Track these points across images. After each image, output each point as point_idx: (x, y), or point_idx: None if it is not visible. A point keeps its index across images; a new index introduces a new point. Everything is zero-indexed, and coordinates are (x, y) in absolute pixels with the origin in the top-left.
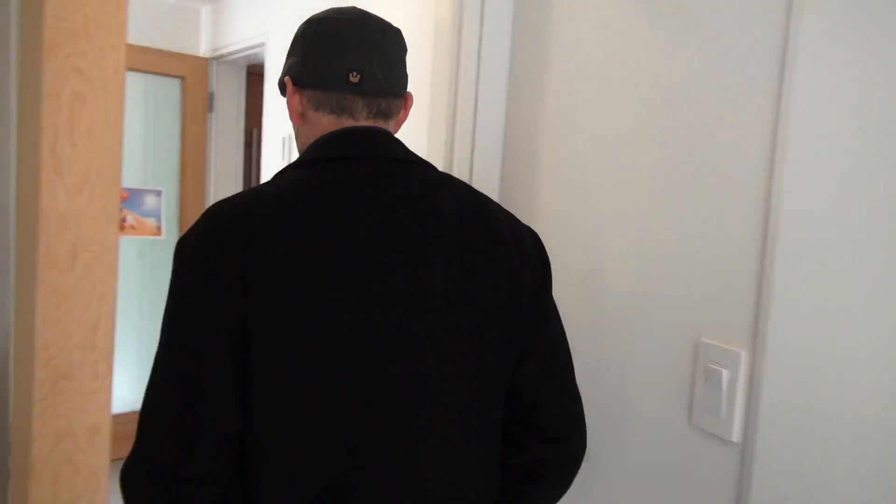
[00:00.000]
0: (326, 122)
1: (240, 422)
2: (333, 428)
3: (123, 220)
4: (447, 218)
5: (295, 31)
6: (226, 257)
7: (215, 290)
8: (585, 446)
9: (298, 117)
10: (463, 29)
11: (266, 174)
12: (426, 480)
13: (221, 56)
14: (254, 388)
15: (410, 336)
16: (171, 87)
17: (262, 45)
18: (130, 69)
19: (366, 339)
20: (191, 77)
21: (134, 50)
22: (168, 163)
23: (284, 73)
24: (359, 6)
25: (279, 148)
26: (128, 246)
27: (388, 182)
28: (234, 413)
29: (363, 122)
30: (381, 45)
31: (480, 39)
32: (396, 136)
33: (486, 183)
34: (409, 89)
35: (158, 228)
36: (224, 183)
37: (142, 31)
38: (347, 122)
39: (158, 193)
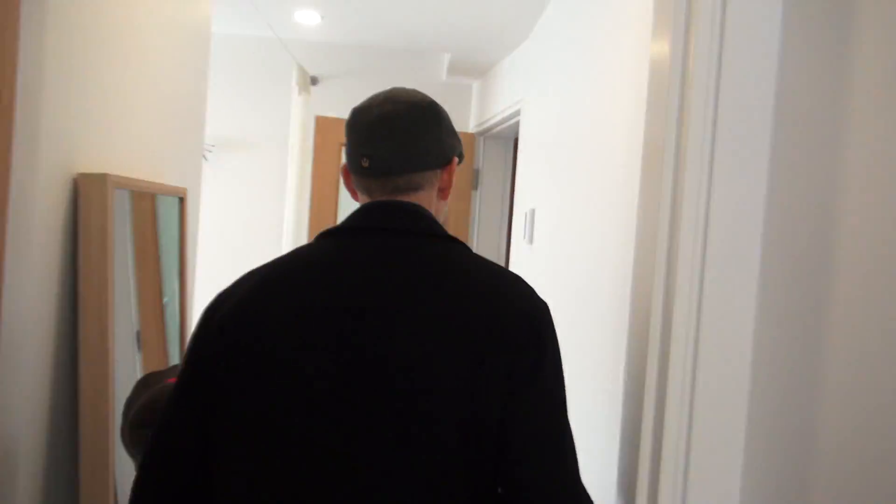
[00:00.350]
0: (362, 201)
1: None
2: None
3: None
4: (417, 292)
5: (545, 94)
6: (199, 337)
7: (191, 366)
8: None
9: (354, 195)
10: (689, 72)
11: (514, 253)
12: None
13: (486, 130)
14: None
15: (340, 407)
16: None
17: (517, 113)
18: None
19: (300, 410)
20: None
21: None
22: None
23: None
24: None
25: (522, 223)
26: None
27: (358, 252)
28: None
29: (380, 199)
30: (393, 125)
31: (717, 88)
32: (432, 205)
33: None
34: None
35: None
36: None
37: None
38: (367, 200)
39: None
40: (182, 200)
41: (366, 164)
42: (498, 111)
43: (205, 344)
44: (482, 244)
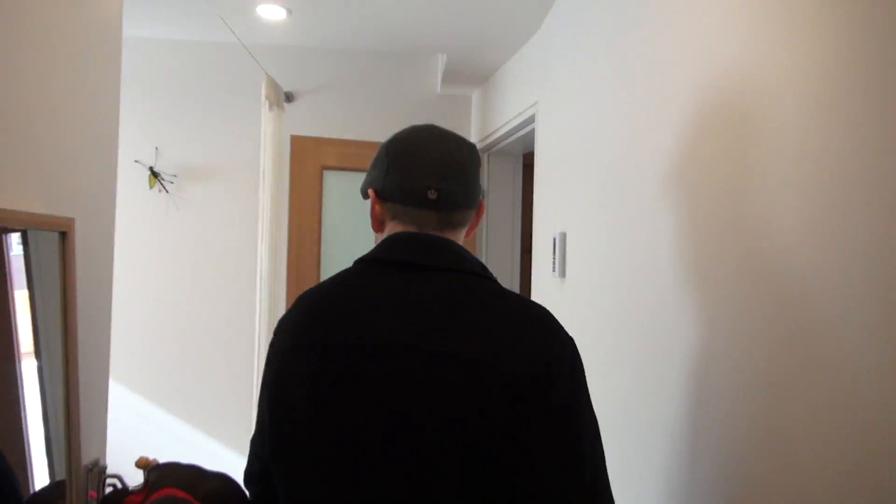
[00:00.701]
0: (400, 231)
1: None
2: None
3: None
4: (423, 330)
5: (565, 97)
6: (269, 356)
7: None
8: None
9: (378, 225)
10: None
11: (536, 285)
12: None
13: (490, 145)
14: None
15: (368, 440)
16: None
17: (530, 121)
18: None
19: (327, 437)
20: None
21: None
22: None
23: (368, 184)
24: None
25: (548, 250)
26: None
27: (400, 289)
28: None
29: (428, 232)
30: (458, 162)
31: None
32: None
33: None
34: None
35: None
36: None
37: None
38: (401, 229)
39: None
40: (65, 235)
41: (433, 195)
42: (504, 121)
43: (268, 372)
44: (493, 271)
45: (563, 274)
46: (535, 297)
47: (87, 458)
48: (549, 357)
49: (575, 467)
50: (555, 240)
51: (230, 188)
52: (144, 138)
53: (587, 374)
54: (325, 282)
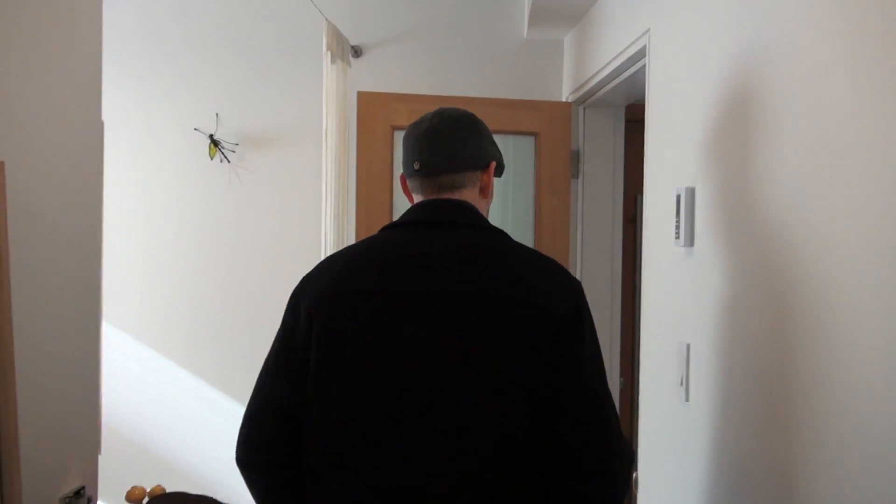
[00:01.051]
0: (415, 200)
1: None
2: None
3: None
4: (477, 276)
5: (694, 13)
6: (296, 298)
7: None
8: (616, 484)
9: (410, 199)
10: None
11: (650, 259)
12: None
13: (587, 94)
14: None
15: (433, 368)
16: (523, 149)
17: (640, 55)
18: None
19: (380, 367)
20: (546, 132)
21: (466, 104)
22: None
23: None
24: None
25: (668, 212)
26: None
27: (424, 242)
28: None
29: (430, 197)
30: (438, 134)
31: None
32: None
33: None
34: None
35: None
36: (594, 274)
37: (488, 80)
38: (420, 199)
39: None
40: None
41: (417, 166)
42: (605, 62)
43: (295, 327)
44: (590, 250)
45: (689, 241)
46: (650, 273)
47: (68, 485)
48: (575, 297)
49: (595, 390)
50: (678, 198)
51: (296, 155)
52: (203, 105)
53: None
54: (351, 245)
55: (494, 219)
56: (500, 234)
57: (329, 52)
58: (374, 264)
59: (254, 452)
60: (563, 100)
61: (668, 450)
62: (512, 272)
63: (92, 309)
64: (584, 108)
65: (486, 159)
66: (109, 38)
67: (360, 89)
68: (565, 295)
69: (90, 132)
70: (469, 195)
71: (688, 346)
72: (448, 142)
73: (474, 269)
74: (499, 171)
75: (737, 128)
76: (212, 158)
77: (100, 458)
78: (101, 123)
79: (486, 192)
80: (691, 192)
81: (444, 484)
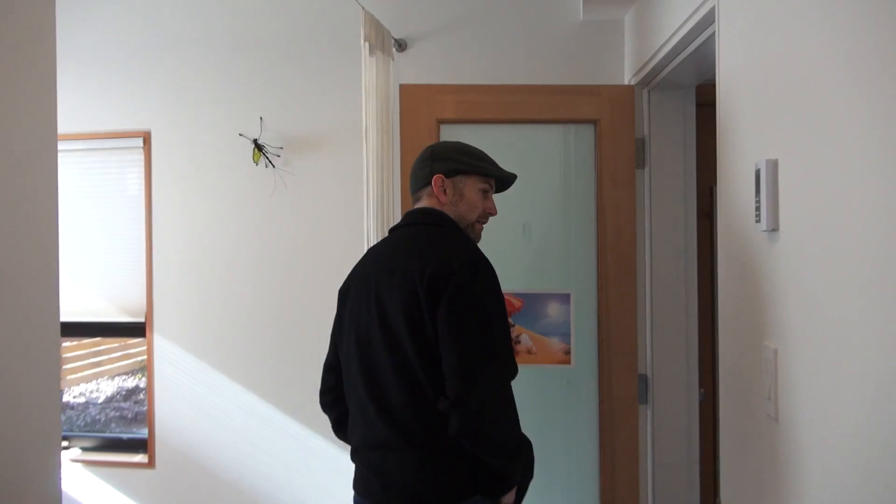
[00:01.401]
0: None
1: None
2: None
3: (516, 340)
4: (403, 258)
5: None
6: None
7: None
8: (475, 412)
9: None
10: None
11: (727, 250)
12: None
13: (651, 75)
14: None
15: (369, 327)
16: (582, 138)
17: (707, 20)
18: (515, 121)
19: (353, 329)
20: (607, 119)
21: (518, 92)
22: (577, 251)
23: None
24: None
25: (746, 192)
26: (528, 376)
27: (396, 238)
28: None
29: (411, 208)
30: (412, 170)
31: None
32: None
33: None
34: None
35: (567, 352)
36: (666, 274)
37: (542, 66)
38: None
39: (566, 299)
40: None
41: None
42: (669, 33)
43: (337, 305)
44: (660, 248)
45: (773, 224)
46: (728, 267)
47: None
48: (452, 265)
49: (461, 342)
50: (758, 173)
51: (341, 156)
52: (247, 109)
53: None
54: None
55: (553, 214)
56: (433, 228)
57: (367, 44)
58: (370, 254)
59: (321, 396)
60: (626, 83)
61: (753, 479)
62: (412, 252)
63: (50, 309)
64: (649, 91)
65: (429, 177)
66: (152, 48)
67: (403, 80)
68: (444, 264)
69: (44, 141)
70: (428, 202)
71: (774, 351)
72: (413, 171)
73: (400, 252)
74: (501, 185)
75: (832, 81)
76: (256, 164)
77: (151, 472)
78: (56, 133)
79: (440, 198)
80: (774, 165)
81: (386, 432)
